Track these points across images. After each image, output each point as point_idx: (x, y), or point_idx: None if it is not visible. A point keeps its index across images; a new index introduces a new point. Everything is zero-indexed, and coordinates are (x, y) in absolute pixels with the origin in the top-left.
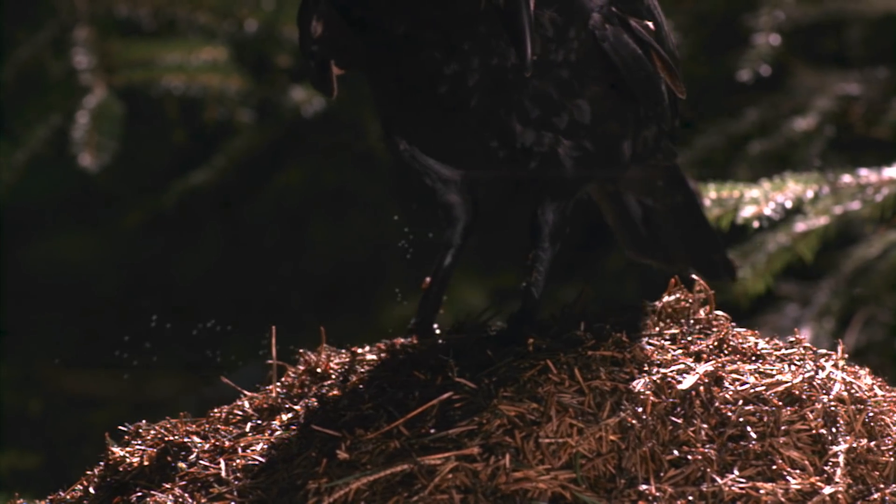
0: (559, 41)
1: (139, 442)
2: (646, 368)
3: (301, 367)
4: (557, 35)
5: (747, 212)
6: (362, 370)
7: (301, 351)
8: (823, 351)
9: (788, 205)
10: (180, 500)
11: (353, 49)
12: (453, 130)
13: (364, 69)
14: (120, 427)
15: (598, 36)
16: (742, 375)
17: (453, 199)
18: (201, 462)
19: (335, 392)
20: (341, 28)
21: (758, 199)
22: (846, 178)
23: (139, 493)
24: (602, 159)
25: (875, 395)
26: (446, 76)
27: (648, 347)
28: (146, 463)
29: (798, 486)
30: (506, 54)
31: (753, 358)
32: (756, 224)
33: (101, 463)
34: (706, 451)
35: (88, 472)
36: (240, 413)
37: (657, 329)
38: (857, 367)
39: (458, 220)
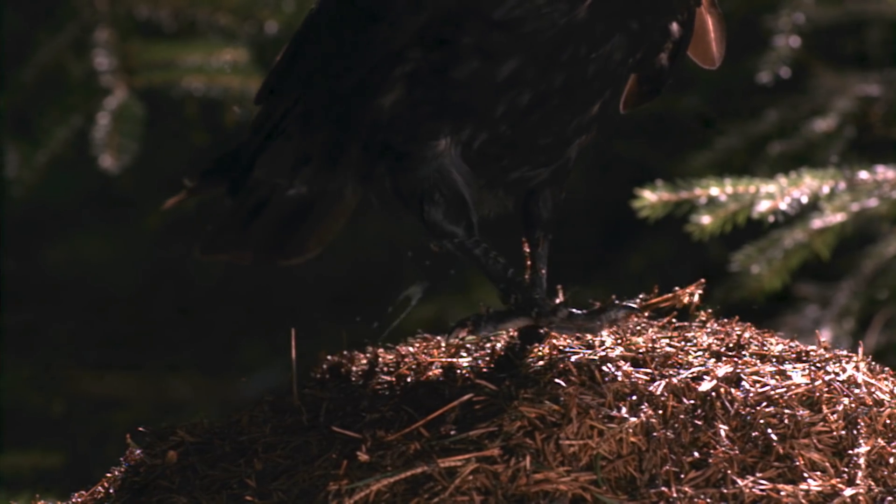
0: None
1: (160, 443)
2: (666, 370)
3: (321, 369)
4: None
5: (763, 206)
6: (382, 372)
7: (321, 353)
8: (843, 352)
9: (804, 200)
10: (201, 501)
11: None
12: (536, 119)
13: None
14: (141, 428)
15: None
16: (762, 377)
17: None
18: (222, 464)
19: (355, 394)
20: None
21: (773, 195)
22: (863, 175)
23: (160, 495)
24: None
25: None
26: (602, 57)
27: (669, 349)
28: (167, 464)
29: (819, 488)
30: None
31: (773, 360)
32: (771, 219)
33: (123, 464)
34: (727, 452)
35: (109, 474)
36: (260, 415)
37: (677, 331)
38: (879, 365)
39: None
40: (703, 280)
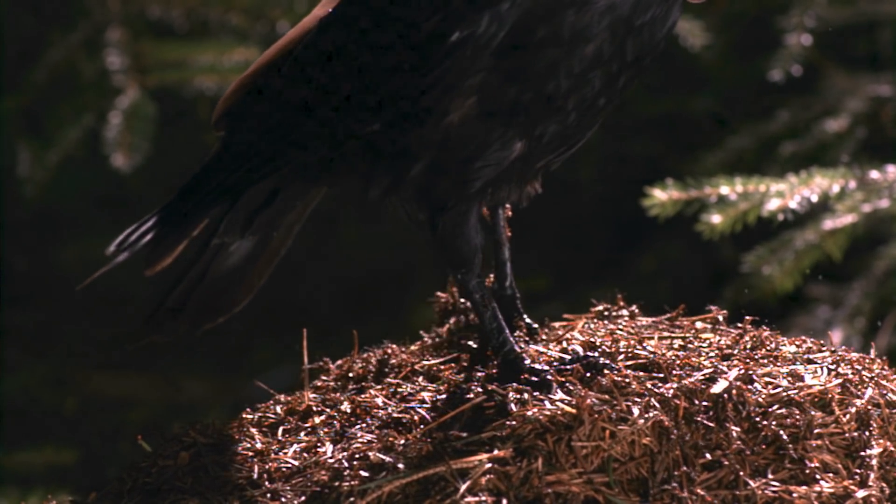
0: None
1: (172, 444)
2: (678, 372)
3: (333, 370)
4: None
5: (772, 205)
6: (394, 373)
7: (332, 354)
8: (856, 353)
9: (814, 199)
10: (213, 502)
11: None
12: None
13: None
14: (153, 429)
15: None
16: (774, 379)
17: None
18: (234, 465)
19: (367, 395)
20: None
21: (783, 193)
22: (874, 175)
23: (173, 496)
24: None
25: None
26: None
27: (680, 351)
28: (179, 465)
29: (831, 490)
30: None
31: (785, 361)
32: (781, 217)
33: (134, 465)
34: (739, 454)
35: (120, 475)
36: (272, 416)
37: (689, 333)
38: (890, 369)
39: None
40: (725, 311)
